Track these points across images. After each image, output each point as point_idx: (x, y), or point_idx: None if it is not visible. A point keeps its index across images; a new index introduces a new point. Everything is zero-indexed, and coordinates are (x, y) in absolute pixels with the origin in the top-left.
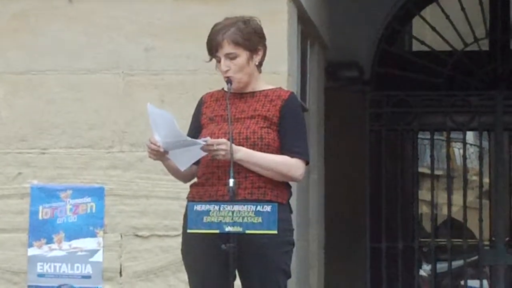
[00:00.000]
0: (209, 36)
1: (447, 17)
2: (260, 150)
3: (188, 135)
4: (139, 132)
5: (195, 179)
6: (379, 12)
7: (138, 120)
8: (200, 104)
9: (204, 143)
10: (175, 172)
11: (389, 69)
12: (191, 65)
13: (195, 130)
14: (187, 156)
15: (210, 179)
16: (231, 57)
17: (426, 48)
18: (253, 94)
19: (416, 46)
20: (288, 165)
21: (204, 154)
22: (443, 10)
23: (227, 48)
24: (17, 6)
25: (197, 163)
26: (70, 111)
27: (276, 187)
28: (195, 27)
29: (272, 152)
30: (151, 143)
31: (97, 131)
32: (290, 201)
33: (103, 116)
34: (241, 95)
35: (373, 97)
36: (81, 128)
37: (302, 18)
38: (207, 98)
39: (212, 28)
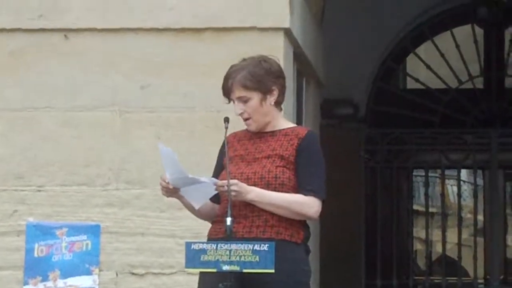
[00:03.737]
0: (223, 80)
1: (442, 55)
2: (275, 189)
3: (213, 176)
4: (135, 169)
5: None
6: (374, 50)
7: (134, 158)
8: (224, 144)
9: (208, 181)
10: (194, 211)
11: (384, 106)
12: (187, 103)
13: (218, 171)
14: (199, 194)
15: (226, 217)
16: (243, 100)
17: (420, 86)
18: (273, 133)
19: (410, 84)
20: (301, 203)
21: (215, 192)
22: (437, 48)
23: (238, 92)
24: (13, 43)
25: (217, 201)
26: (66, 148)
27: (291, 226)
28: (191, 65)
29: (287, 191)
30: (162, 180)
31: (93, 169)
32: None
33: (99, 154)
34: (261, 135)
35: (368, 134)
36: (77, 165)
37: (298, 56)
38: (230, 138)
39: (228, 71)
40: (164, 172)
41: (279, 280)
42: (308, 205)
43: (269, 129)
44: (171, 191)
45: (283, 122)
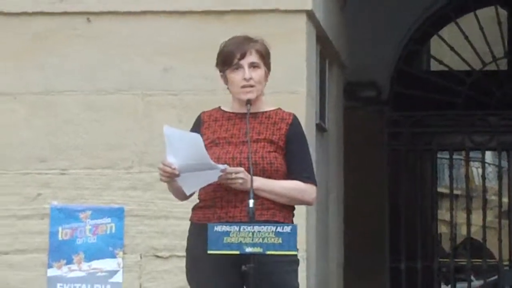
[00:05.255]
0: (230, 45)
1: (465, 36)
2: (270, 175)
3: None
4: (158, 152)
5: (199, 202)
6: (397, 32)
7: (157, 140)
8: (199, 124)
9: (222, 168)
10: (175, 191)
11: (407, 89)
12: (209, 85)
13: None
14: (197, 181)
15: (219, 202)
16: (254, 66)
17: (444, 68)
18: (255, 115)
19: (434, 66)
20: (301, 190)
21: (215, 180)
22: (461, 30)
23: (253, 57)
24: (36, 27)
25: None
26: (89, 131)
27: (284, 209)
28: (212, 47)
29: (280, 177)
30: (165, 165)
31: (116, 152)
32: (310, 221)
33: (122, 137)
34: (242, 115)
35: (391, 117)
36: (100, 148)
37: (321, 38)
38: (205, 118)
39: (229, 41)
40: (166, 156)
41: (279, 259)
42: (307, 192)
43: (252, 109)
44: (173, 177)
45: (264, 104)
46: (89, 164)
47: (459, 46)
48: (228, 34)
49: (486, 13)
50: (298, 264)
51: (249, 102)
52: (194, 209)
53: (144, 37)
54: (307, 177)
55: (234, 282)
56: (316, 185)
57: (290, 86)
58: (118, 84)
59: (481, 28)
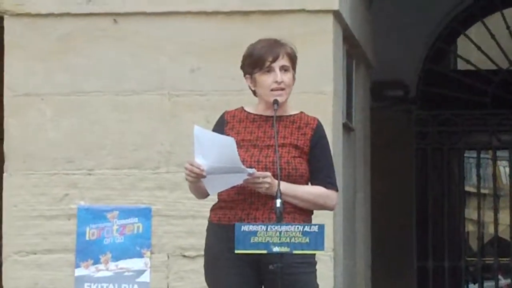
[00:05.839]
0: (261, 48)
1: (492, 36)
2: (294, 181)
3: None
4: (185, 152)
5: (219, 202)
6: (424, 31)
7: (184, 141)
8: (222, 124)
9: (250, 172)
10: (196, 190)
11: (435, 88)
12: (236, 86)
13: None
14: (222, 182)
15: (241, 204)
16: (285, 69)
17: (471, 67)
18: (280, 118)
19: (461, 65)
20: (324, 196)
21: (240, 182)
22: (488, 29)
23: (284, 60)
24: (62, 28)
25: None
26: (116, 132)
27: (304, 212)
28: (239, 47)
29: (304, 182)
30: (194, 166)
31: (143, 152)
32: (337, 221)
33: (149, 137)
34: (267, 118)
35: (418, 116)
36: (127, 149)
37: (347, 38)
38: (229, 118)
39: (258, 43)
40: (195, 157)
41: (298, 261)
42: (329, 198)
43: (277, 113)
44: (200, 178)
45: (289, 108)
46: (116, 164)
47: (486, 45)
48: (254, 34)
49: None
50: (316, 265)
51: (276, 102)
52: (213, 209)
53: (170, 37)
54: (330, 183)
55: (251, 281)
56: (337, 190)
57: (317, 86)
58: (145, 84)
59: (508, 27)
